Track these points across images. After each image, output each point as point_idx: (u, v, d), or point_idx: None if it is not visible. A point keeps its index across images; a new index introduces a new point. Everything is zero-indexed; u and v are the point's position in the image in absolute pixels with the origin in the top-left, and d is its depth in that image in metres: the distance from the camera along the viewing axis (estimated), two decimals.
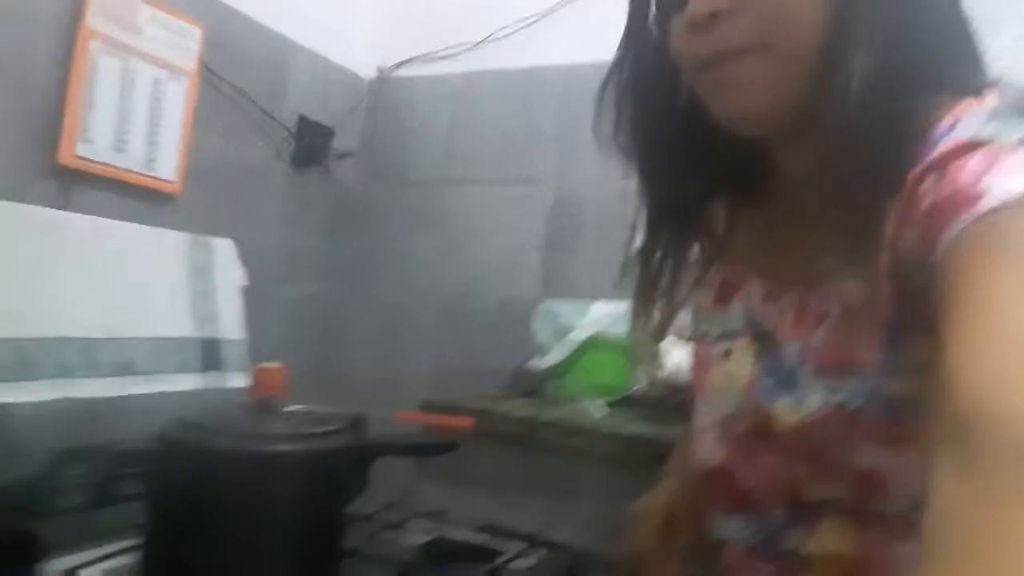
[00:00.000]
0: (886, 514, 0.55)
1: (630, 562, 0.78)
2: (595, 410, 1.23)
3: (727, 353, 0.64)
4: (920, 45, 0.52)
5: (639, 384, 1.38)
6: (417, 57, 1.85)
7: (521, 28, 1.71)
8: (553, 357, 1.38)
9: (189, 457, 0.63)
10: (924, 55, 0.53)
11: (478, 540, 0.97)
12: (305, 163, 1.72)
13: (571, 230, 1.62)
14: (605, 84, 0.65)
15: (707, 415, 0.65)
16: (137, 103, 1.32)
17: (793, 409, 0.56)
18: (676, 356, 1.19)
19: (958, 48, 0.55)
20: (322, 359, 1.71)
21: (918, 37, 0.52)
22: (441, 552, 0.96)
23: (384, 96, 1.87)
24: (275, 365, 0.72)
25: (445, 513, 1.05)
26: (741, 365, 0.62)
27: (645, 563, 0.77)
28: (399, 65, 1.88)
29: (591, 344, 1.38)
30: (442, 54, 1.82)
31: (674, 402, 1.20)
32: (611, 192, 1.58)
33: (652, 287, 0.65)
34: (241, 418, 0.71)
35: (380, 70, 1.89)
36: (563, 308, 1.42)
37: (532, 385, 1.43)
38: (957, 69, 0.54)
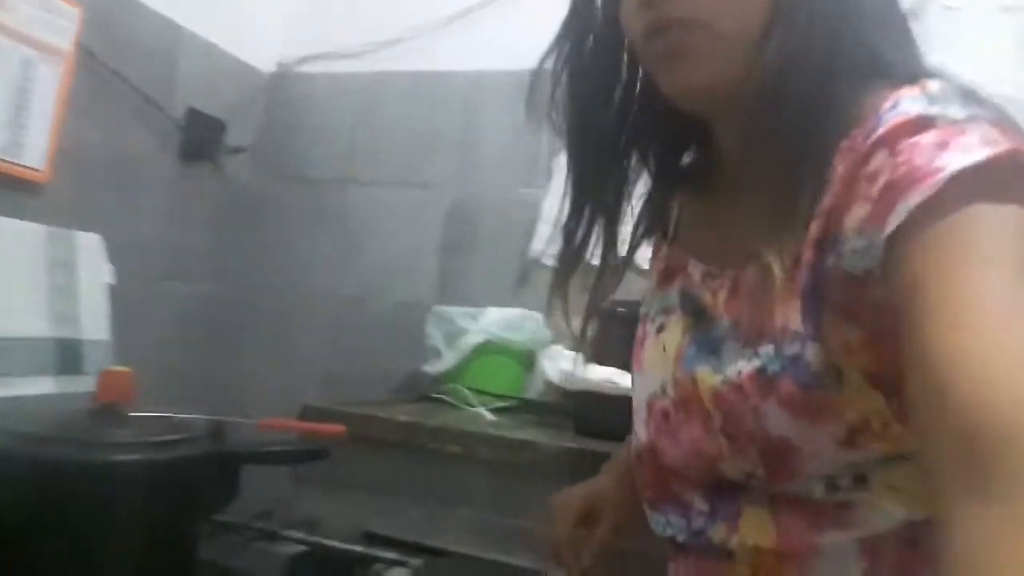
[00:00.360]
0: (802, 499, 0.54)
1: (551, 549, 0.79)
2: (485, 415, 1.23)
3: (660, 328, 0.64)
4: (851, 29, 0.53)
5: (532, 390, 1.38)
6: (321, 54, 1.80)
7: (429, 32, 1.70)
8: (445, 362, 1.37)
9: (17, 468, 0.58)
10: (855, 38, 0.53)
11: (355, 549, 0.94)
12: (194, 157, 1.64)
13: (468, 236, 1.61)
14: (543, 59, 0.64)
15: (639, 394, 0.65)
16: (2, 84, 1.22)
17: (714, 374, 0.56)
18: (564, 363, 1.19)
19: (893, 37, 0.56)
20: (209, 362, 1.63)
21: (850, 21, 0.53)
22: (315, 562, 0.93)
23: (283, 91, 1.81)
24: (122, 368, 0.67)
25: (322, 522, 1.02)
26: (672, 337, 0.62)
27: (560, 552, 0.78)
28: (301, 61, 1.82)
29: (484, 349, 1.37)
30: (347, 52, 1.78)
31: (567, 408, 1.21)
32: (508, 200, 1.60)
33: (571, 264, 0.65)
34: (80, 426, 0.66)
35: (280, 64, 1.83)
36: (456, 313, 1.41)
37: (424, 390, 1.41)
38: (892, 56, 0.54)
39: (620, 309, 1.38)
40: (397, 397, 1.41)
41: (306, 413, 1.07)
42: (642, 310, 0.70)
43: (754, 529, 0.56)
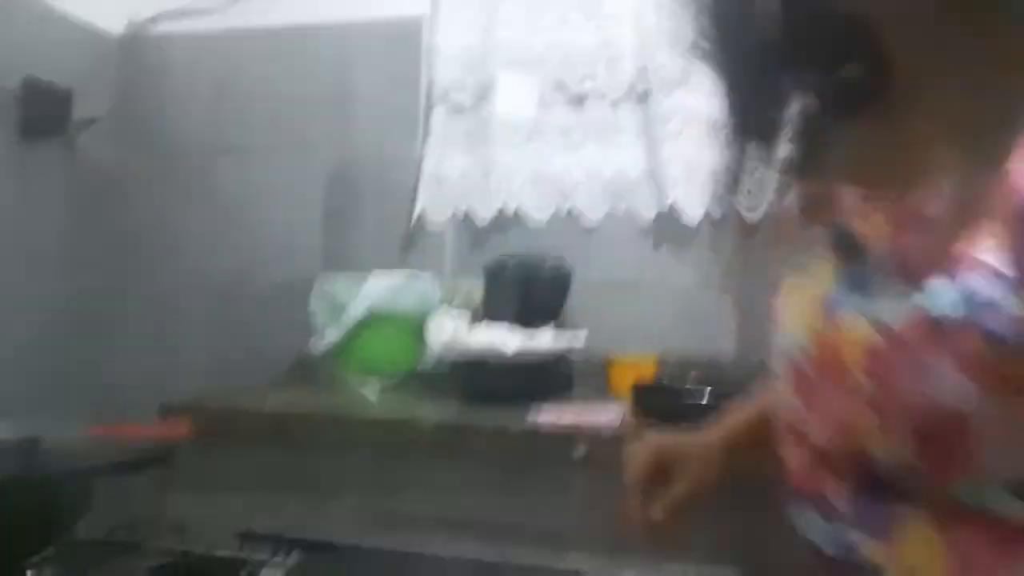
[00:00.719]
0: (982, 513, 0.42)
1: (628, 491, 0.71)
2: (370, 393, 1.17)
3: (802, 274, 0.55)
4: None
5: (427, 360, 1.33)
6: (174, 11, 1.65)
7: None
8: (328, 338, 1.29)
9: None
10: None
11: (223, 553, 0.88)
12: (37, 132, 1.48)
13: (350, 200, 1.52)
14: None
15: (778, 354, 0.55)
16: None
17: (865, 321, 0.45)
18: (449, 328, 1.14)
19: None
20: (75, 362, 1.51)
21: None
22: (180, 571, 0.86)
23: (136, 55, 1.66)
24: None
25: (194, 526, 0.95)
26: (816, 282, 0.52)
27: (630, 498, 0.70)
28: (154, 20, 1.66)
29: (370, 321, 1.30)
30: (204, 8, 1.63)
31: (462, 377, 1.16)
32: (389, 159, 1.52)
33: (732, 202, 0.55)
34: None
35: (131, 25, 1.67)
36: (340, 284, 1.33)
37: (313, 369, 1.34)
38: None
39: (509, 266, 1.34)
40: (284, 380, 1.33)
41: (168, 410, 0.99)
42: (780, 257, 0.59)
43: (918, 549, 0.44)
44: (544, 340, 1.12)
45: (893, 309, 0.43)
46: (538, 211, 1.45)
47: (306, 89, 1.57)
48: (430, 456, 0.93)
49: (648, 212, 1.40)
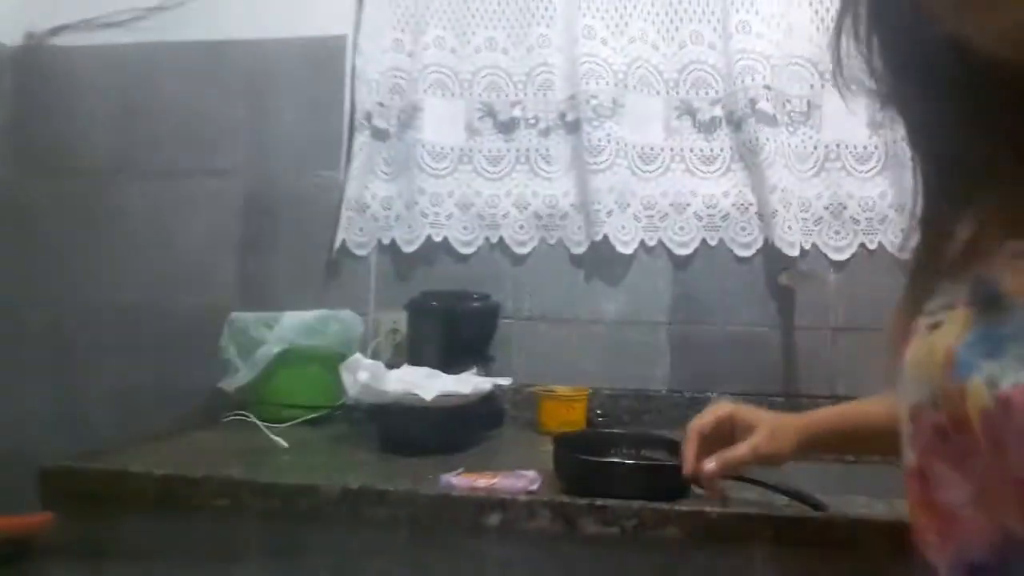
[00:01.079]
0: None
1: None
2: (280, 443, 1.09)
3: (935, 326, 0.51)
4: None
5: (345, 399, 1.26)
6: (79, 23, 1.54)
7: None
8: (241, 378, 1.21)
9: None
10: None
11: None
12: None
13: (269, 228, 1.44)
14: (839, 27, 0.51)
15: (902, 404, 0.52)
16: None
17: (988, 387, 0.43)
18: (365, 372, 1.08)
19: None
20: None
21: None
22: None
23: (35, 68, 1.54)
24: None
25: None
26: (947, 335, 0.48)
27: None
28: (56, 31, 1.55)
29: (286, 359, 1.22)
30: (111, 20, 1.53)
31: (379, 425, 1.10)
32: (312, 184, 1.44)
33: (936, 259, 0.53)
34: None
35: (29, 36, 1.55)
36: (251, 321, 1.25)
37: (225, 409, 1.25)
38: None
39: (433, 303, 1.28)
40: (195, 421, 1.24)
41: (47, 474, 0.89)
42: (915, 301, 0.55)
43: None
44: (467, 383, 1.06)
45: (1016, 376, 0.41)
46: (466, 241, 1.39)
47: (222, 109, 1.48)
48: (335, 521, 0.86)
49: (579, 243, 1.36)
